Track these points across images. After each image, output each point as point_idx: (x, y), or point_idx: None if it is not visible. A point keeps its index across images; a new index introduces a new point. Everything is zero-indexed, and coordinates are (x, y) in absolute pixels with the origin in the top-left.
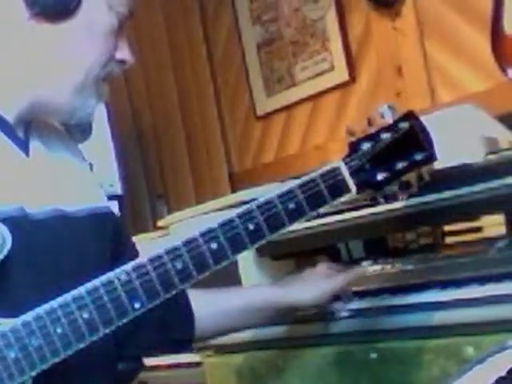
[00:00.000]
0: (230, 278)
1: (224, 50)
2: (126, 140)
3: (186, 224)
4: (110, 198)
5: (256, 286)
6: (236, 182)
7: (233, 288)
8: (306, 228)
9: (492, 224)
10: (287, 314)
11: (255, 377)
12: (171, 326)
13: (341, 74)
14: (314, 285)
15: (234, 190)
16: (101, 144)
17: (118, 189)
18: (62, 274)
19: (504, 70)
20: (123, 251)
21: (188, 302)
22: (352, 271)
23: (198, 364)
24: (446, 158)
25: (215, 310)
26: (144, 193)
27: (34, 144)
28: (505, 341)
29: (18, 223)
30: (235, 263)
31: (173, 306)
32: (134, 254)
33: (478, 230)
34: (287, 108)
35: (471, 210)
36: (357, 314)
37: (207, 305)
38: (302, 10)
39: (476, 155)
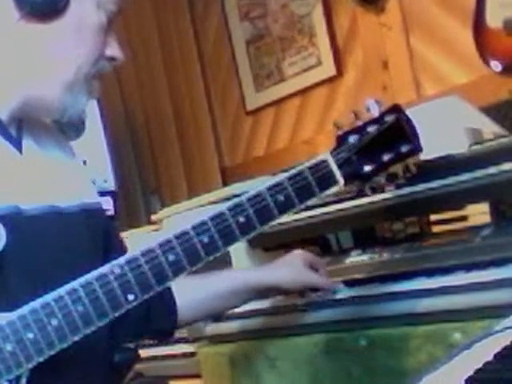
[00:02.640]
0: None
1: (213, 46)
2: (118, 136)
3: (179, 218)
4: (104, 193)
5: (237, 270)
6: (227, 176)
7: (215, 273)
8: (297, 220)
9: (477, 213)
10: (268, 295)
11: (249, 365)
12: (154, 317)
13: (328, 69)
14: (293, 270)
15: (225, 184)
16: (94, 141)
17: (111, 185)
18: (56, 269)
19: (487, 63)
20: (112, 247)
21: (171, 293)
22: (328, 279)
23: (192, 354)
24: (431, 149)
25: (199, 295)
26: (137, 188)
27: (27, 142)
28: (491, 326)
29: (13, 220)
30: (228, 255)
31: (156, 297)
32: (123, 251)
33: (464, 218)
34: (276, 103)
35: (456, 199)
36: (346, 302)
37: (191, 291)
38: (289, 6)
39: (460, 146)
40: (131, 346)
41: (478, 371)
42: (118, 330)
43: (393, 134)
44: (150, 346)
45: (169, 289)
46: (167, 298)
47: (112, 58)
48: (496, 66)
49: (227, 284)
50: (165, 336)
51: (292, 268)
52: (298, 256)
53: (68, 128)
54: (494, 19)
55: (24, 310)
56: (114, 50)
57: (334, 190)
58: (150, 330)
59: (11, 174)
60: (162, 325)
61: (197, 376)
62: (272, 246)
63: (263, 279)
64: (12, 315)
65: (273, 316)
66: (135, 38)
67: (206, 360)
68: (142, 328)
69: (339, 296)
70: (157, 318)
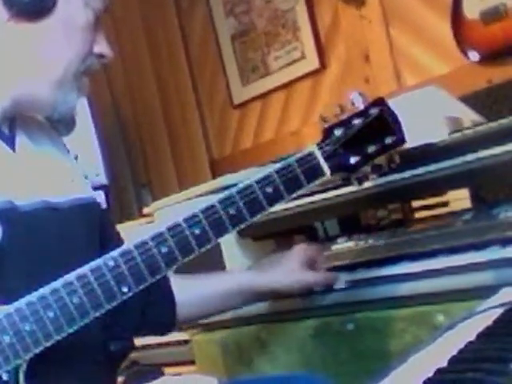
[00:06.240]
0: (214, 259)
1: (200, 42)
2: (109, 131)
3: (170, 210)
4: (96, 188)
5: (235, 272)
6: (216, 169)
7: (214, 274)
8: (284, 209)
9: (457, 198)
10: (265, 297)
11: (241, 351)
12: (153, 312)
13: (312, 62)
14: (292, 272)
15: (214, 176)
16: (85, 136)
17: (103, 179)
18: (51, 263)
19: (465, 53)
20: (108, 240)
21: (170, 288)
22: (331, 275)
23: (186, 342)
24: (412, 137)
25: (197, 295)
26: (129, 182)
27: (20, 139)
28: (473, 308)
29: (8, 216)
30: (218, 245)
31: (155, 292)
32: (119, 243)
33: (445, 204)
34: (262, 96)
35: (438, 186)
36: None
37: (190, 291)
38: (272, 1)
39: (440, 134)
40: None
41: (461, 351)
42: (116, 325)
43: (377, 127)
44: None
45: (167, 285)
46: (165, 293)
47: (101, 55)
48: (474, 56)
49: (228, 285)
50: (163, 331)
51: (290, 272)
52: (296, 255)
53: (59, 125)
54: (471, 11)
55: (21, 302)
56: (102, 47)
57: (320, 181)
58: (149, 325)
59: (4, 172)
60: (160, 320)
61: (191, 363)
62: (261, 235)
63: (262, 283)
64: (9, 308)
65: (264, 303)
66: (123, 35)
67: (200, 347)
68: (141, 322)
69: (338, 286)
70: (155, 314)
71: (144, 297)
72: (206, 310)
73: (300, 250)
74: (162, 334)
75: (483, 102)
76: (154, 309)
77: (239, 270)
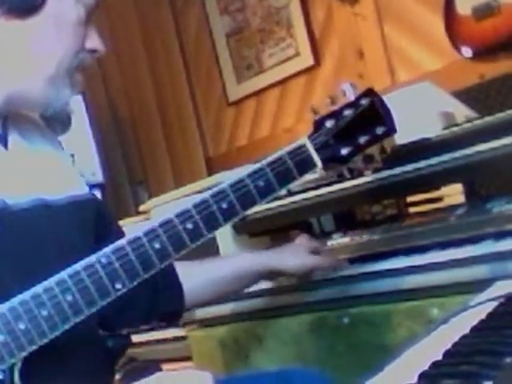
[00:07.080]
0: (211, 256)
1: (195, 41)
2: (104, 130)
3: (167, 208)
4: (92, 186)
5: (243, 254)
6: (212, 166)
7: (221, 257)
8: (280, 206)
9: (451, 193)
10: (271, 278)
11: (238, 346)
12: (161, 300)
13: (306, 59)
14: (298, 255)
15: (210, 174)
16: (80, 135)
17: (99, 177)
18: (45, 262)
19: (458, 49)
20: (108, 234)
21: (176, 276)
22: (333, 258)
23: (183, 338)
24: (406, 133)
25: (206, 279)
26: (125, 180)
27: (13, 137)
28: (467, 301)
29: (0, 214)
30: (215, 241)
31: (163, 280)
32: (120, 236)
33: (439, 199)
34: (257, 93)
35: (432, 181)
36: (329, 282)
37: (198, 275)
38: None
39: (434, 129)
40: (123, 332)
41: (455, 344)
42: (127, 315)
43: (368, 117)
44: (143, 331)
45: (174, 273)
46: (173, 281)
47: (93, 50)
48: (466, 51)
49: (235, 268)
50: (173, 318)
51: (297, 255)
52: (301, 242)
53: (55, 124)
54: (463, 7)
55: (14, 301)
56: (94, 41)
57: (312, 173)
58: (159, 313)
59: None
60: (170, 307)
61: (188, 359)
62: (257, 231)
63: (270, 264)
64: (2, 307)
65: (260, 298)
66: (118, 34)
67: (197, 343)
68: (151, 311)
69: (342, 273)
70: (164, 301)
71: (152, 285)
72: (213, 294)
73: (303, 239)
74: (172, 321)
75: (475, 97)
76: (163, 298)
77: (245, 252)
